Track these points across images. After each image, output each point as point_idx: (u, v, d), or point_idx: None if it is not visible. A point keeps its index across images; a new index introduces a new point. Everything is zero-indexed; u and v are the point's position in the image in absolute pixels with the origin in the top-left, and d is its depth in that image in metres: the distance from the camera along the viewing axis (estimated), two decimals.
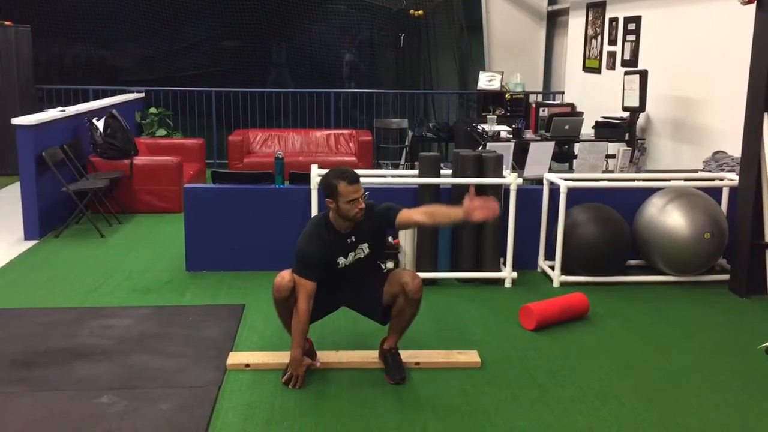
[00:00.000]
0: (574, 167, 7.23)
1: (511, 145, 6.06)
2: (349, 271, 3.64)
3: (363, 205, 3.48)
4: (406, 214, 3.54)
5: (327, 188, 3.47)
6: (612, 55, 8.39)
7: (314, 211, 5.01)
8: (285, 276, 3.53)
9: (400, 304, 3.61)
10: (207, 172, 8.55)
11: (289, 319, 3.61)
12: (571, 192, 5.10)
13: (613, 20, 8.35)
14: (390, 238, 5.13)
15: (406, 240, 5.11)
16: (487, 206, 3.40)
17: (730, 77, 6.01)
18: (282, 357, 3.75)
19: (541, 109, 8.34)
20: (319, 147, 9.39)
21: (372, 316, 3.79)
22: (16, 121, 6.24)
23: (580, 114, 7.89)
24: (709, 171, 5.77)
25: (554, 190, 5.22)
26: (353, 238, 3.57)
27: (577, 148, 7.02)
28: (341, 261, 3.58)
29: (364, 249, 3.61)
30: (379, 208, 3.61)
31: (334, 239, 3.54)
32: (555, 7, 10.34)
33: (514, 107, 9.18)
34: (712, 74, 6.39)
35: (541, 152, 5.81)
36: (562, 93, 9.97)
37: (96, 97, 9.38)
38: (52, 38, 10.75)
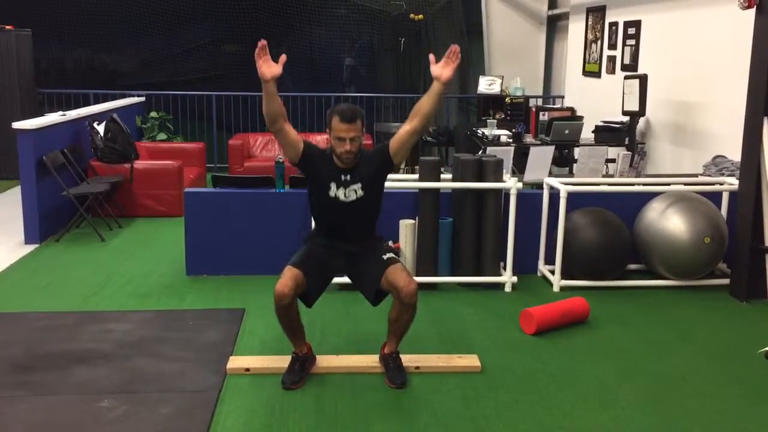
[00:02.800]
0: (574, 171, 7.23)
1: (511, 149, 6.06)
2: (345, 214, 3.63)
3: (349, 148, 3.53)
4: (396, 135, 3.66)
5: (328, 117, 3.59)
6: (612, 59, 8.40)
7: None
8: (286, 283, 3.50)
9: (396, 309, 3.61)
10: (207, 176, 8.55)
11: (290, 325, 3.61)
12: (571, 196, 5.11)
13: (613, 24, 8.36)
14: (390, 242, 5.12)
15: (406, 244, 5.11)
16: (449, 59, 3.53)
17: (730, 81, 6.01)
18: (282, 361, 3.75)
19: (541, 113, 8.35)
20: None
21: (365, 293, 3.78)
22: (17, 125, 6.24)
23: (580, 118, 7.90)
24: (709, 175, 5.77)
25: (554, 194, 5.22)
26: (348, 177, 3.62)
27: (577, 152, 7.02)
28: (332, 187, 3.61)
29: (357, 190, 3.61)
30: (374, 148, 3.74)
31: (330, 166, 3.63)
32: (555, 12, 10.35)
33: (514, 111, 9.17)
34: (712, 78, 6.39)
35: (541, 156, 5.81)
36: (562, 97, 9.98)
37: (97, 101, 9.37)
38: (53, 42, 10.78)
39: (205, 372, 3.76)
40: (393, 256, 3.70)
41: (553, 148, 6.21)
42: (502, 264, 5.26)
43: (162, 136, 9.34)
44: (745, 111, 4.96)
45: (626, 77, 7.22)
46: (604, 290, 5.13)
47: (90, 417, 3.28)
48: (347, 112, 3.52)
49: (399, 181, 5.29)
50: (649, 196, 5.31)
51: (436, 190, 5.10)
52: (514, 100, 9.26)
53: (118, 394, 3.50)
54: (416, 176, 5.28)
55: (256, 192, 5.35)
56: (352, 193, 3.61)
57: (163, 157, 7.94)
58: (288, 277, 3.52)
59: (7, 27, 8.93)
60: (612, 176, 5.99)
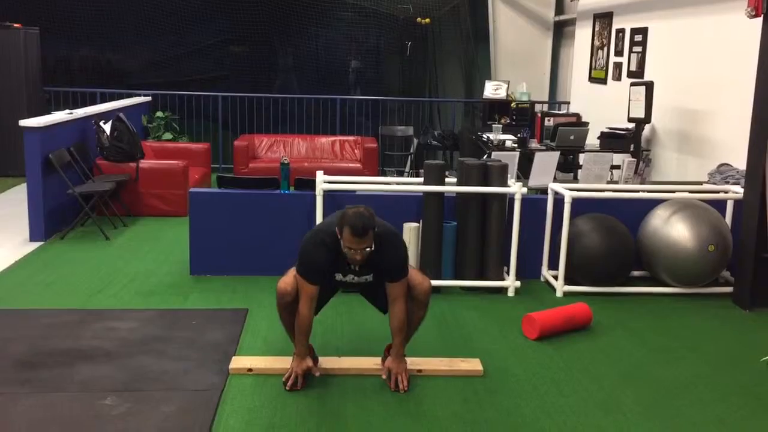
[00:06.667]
0: (578, 177, 7.24)
1: (516, 154, 6.07)
2: (350, 285, 3.67)
3: (359, 258, 3.40)
4: (400, 292, 3.54)
5: (338, 223, 3.40)
6: (618, 66, 8.40)
7: (319, 218, 5.02)
8: (288, 282, 3.54)
9: (408, 309, 3.62)
10: (212, 176, 8.55)
11: (292, 323, 3.62)
12: (576, 202, 5.11)
13: (620, 31, 8.37)
14: None
15: (410, 247, 5.11)
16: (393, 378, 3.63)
17: (736, 90, 6.02)
18: (285, 362, 3.76)
19: (546, 118, 8.35)
20: (324, 153, 9.41)
21: (377, 304, 3.80)
22: (24, 122, 6.27)
23: (586, 124, 7.90)
24: (714, 183, 5.77)
25: (559, 200, 5.23)
26: (357, 268, 3.55)
27: (582, 158, 7.04)
28: (338, 276, 3.60)
29: (368, 278, 3.62)
30: (391, 255, 3.51)
31: (338, 258, 3.51)
32: (562, 17, 10.36)
33: (519, 116, 9.19)
34: (718, 86, 6.40)
35: (546, 162, 5.82)
36: (568, 103, 9.99)
37: (103, 100, 9.41)
38: (61, 41, 10.82)
39: (208, 371, 3.77)
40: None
41: (558, 153, 6.22)
42: (505, 268, 5.26)
43: (168, 135, 9.36)
44: (751, 119, 4.95)
45: (632, 84, 7.22)
46: (607, 296, 5.13)
47: (93, 414, 3.29)
48: (359, 226, 3.30)
49: (404, 185, 5.29)
50: (654, 203, 5.31)
51: (441, 194, 5.11)
52: (519, 105, 9.27)
53: (120, 392, 3.51)
54: (421, 180, 5.29)
55: (260, 193, 5.36)
56: (363, 279, 3.61)
57: (168, 156, 7.96)
58: (291, 275, 3.56)
59: (15, 25, 8.97)
60: (617, 183, 6.00)
